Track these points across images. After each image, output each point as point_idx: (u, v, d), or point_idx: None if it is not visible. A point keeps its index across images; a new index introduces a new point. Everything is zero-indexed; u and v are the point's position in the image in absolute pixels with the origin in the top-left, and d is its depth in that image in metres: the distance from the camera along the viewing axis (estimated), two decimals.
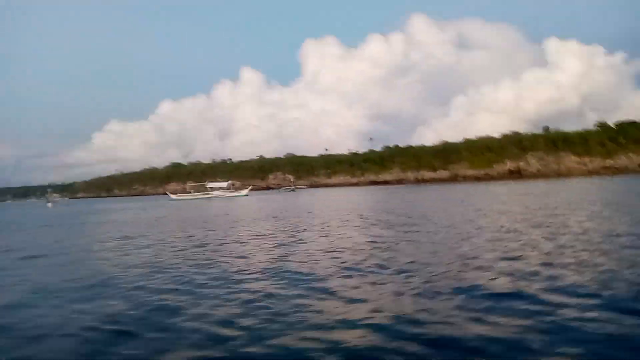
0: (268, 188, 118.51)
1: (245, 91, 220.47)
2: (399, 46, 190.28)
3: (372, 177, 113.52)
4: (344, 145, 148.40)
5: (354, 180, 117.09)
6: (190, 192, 72.97)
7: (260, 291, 6.77)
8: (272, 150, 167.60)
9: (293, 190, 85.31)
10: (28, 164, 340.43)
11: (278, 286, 7.06)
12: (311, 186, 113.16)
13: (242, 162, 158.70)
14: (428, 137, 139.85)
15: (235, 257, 10.45)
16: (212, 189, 69.98)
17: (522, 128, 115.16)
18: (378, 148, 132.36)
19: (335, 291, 6.63)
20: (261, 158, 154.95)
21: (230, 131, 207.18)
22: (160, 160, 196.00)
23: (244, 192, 69.52)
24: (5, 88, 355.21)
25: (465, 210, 19.48)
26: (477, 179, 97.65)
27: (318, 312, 5.62)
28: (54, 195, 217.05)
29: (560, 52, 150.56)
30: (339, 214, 21.28)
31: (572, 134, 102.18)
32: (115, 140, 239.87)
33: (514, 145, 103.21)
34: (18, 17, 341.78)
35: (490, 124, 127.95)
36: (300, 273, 7.94)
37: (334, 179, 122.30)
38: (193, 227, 19.27)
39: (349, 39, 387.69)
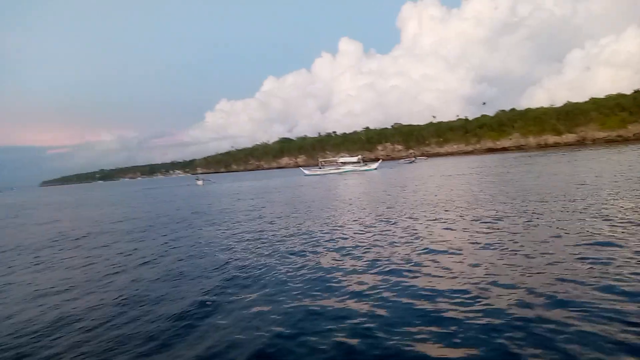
0: (377, 159, 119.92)
1: (344, 63, 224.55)
2: (504, 1, 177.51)
3: (489, 144, 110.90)
4: (449, 111, 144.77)
5: (469, 148, 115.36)
6: (321, 167, 72.33)
7: None
8: (372, 120, 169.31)
9: (413, 161, 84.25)
10: (150, 144, 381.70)
11: None
12: (422, 156, 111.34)
13: (348, 134, 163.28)
14: (540, 98, 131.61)
15: None
16: (344, 163, 68.47)
17: None
18: (489, 112, 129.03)
19: None
20: (367, 129, 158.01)
21: (331, 104, 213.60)
22: (268, 136, 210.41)
23: (374, 165, 67.94)
24: (123, 75, 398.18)
25: None
26: (609, 142, 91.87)
27: None
28: (178, 171, 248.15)
29: None
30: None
31: None
32: (226, 118, 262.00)
33: None
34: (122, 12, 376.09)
35: (612, 80, 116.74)
36: None
37: (447, 148, 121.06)
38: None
39: None
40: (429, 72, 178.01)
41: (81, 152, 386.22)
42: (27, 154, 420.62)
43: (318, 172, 66.08)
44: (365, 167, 66.21)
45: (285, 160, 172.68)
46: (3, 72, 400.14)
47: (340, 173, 61.91)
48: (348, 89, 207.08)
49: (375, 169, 64.54)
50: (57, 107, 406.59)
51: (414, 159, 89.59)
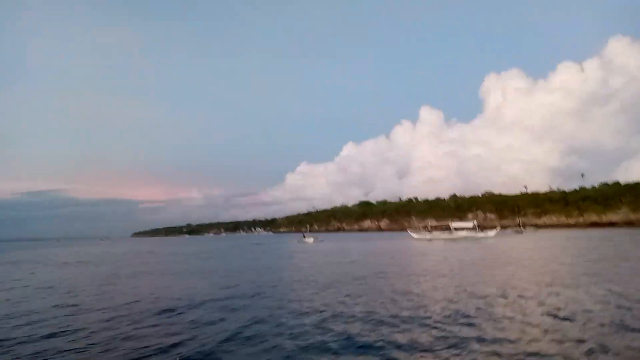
0: (493, 227, 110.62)
1: (423, 130, 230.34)
2: (594, 73, 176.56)
3: (593, 218, 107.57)
4: (533, 182, 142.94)
5: (570, 221, 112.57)
6: (430, 232, 67.46)
7: None
8: (452, 188, 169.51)
9: (522, 232, 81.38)
10: (233, 202, 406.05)
11: None
12: (531, 226, 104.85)
13: (432, 200, 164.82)
14: (638, 171, 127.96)
15: None
16: (457, 229, 65.29)
17: None
18: (581, 185, 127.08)
19: None
20: (455, 196, 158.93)
21: (409, 170, 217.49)
22: (344, 198, 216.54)
23: (492, 233, 63.48)
24: (214, 139, 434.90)
25: None
26: None
27: None
28: (259, 229, 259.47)
29: None
30: None
31: None
32: (304, 180, 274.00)
33: None
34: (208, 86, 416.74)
35: None
36: None
37: (545, 219, 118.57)
38: None
39: (536, 70, 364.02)
40: (513, 143, 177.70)
41: (170, 207, 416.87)
42: (122, 207, 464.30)
43: (427, 237, 64.56)
44: (482, 234, 62.91)
45: (367, 224, 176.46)
46: (111, 137, 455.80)
47: (453, 239, 58.58)
48: (427, 156, 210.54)
49: (492, 236, 60.67)
50: (153, 164, 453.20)
51: (523, 229, 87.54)
